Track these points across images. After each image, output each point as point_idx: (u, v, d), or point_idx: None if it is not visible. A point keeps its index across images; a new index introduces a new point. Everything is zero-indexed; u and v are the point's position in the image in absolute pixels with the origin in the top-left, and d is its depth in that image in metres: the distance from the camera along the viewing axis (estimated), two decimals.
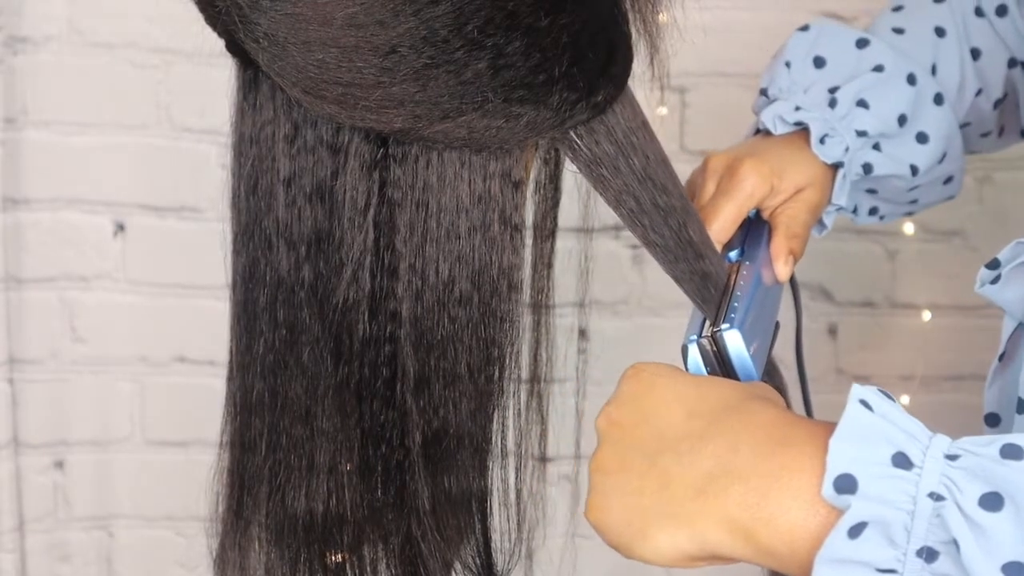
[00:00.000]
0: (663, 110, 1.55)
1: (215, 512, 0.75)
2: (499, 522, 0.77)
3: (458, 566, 0.76)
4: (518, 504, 0.78)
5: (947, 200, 1.09)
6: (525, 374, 0.78)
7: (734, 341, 0.77)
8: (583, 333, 1.54)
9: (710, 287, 0.79)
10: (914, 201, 1.06)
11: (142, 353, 1.63)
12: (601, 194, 0.70)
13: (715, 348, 0.78)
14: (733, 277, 0.84)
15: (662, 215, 0.72)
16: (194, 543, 1.65)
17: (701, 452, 0.61)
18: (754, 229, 0.95)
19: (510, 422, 0.75)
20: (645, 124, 0.70)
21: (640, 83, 0.70)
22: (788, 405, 0.71)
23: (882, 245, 1.61)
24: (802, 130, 0.98)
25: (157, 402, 1.65)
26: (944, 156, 1.02)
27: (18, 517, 1.62)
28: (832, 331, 1.62)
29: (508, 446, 0.76)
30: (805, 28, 1.04)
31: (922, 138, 1.00)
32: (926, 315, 1.57)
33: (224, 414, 0.73)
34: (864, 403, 0.58)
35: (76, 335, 1.62)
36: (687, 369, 0.78)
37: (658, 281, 1.54)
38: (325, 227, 0.66)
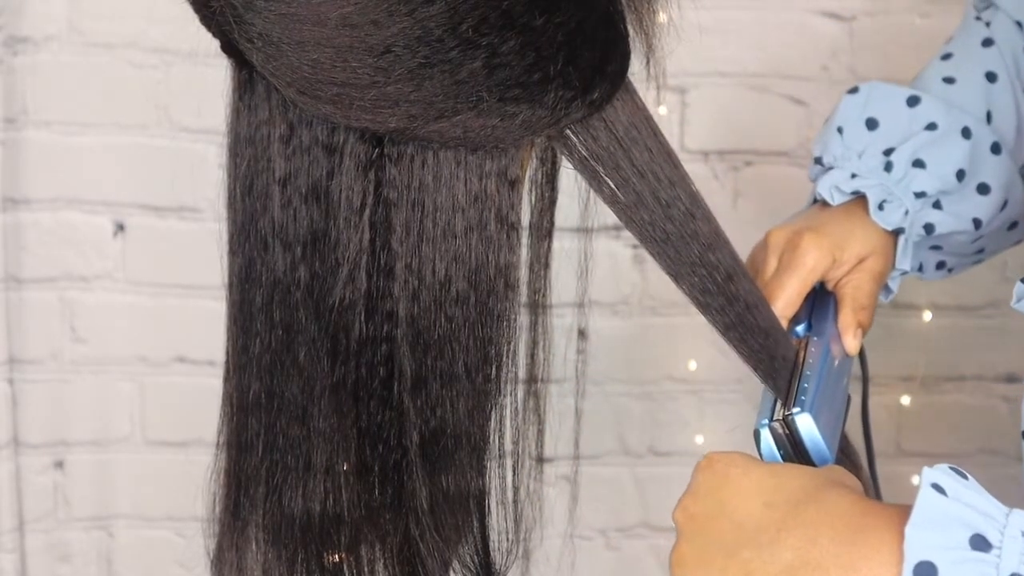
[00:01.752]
0: (663, 110, 1.55)
1: (212, 513, 0.75)
2: (497, 521, 0.77)
3: (456, 565, 0.76)
4: (515, 503, 0.78)
5: (1015, 245, 1.07)
6: (522, 374, 0.78)
7: (806, 425, 0.77)
8: (583, 333, 1.54)
9: (730, 301, 0.77)
10: (981, 251, 1.05)
11: (142, 353, 1.63)
12: (596, 190, 0.70)
13: (787, 431, 0.77)
14: (802, 354, 0.84)
15: (664, 209, 0.71)
16: (194, 543, 1.65)
17: (781, 544, 0.62)
18: (820, 302, 0.94)
19: (507, 422, 0.75)
20: (648, 120, 0.70)
21: (637, 82, 0.69)
22: (865, 484, 0.72)
23: None
24: (860, 198, 0.97)
25: (157, 402, 1.65)
26: (1006, 203, 1.00)
27: (18, 517, 1.62)
28: None
29: (506, 446, 0.76)
30: (854, 90, 1.03)
31: (983, 189, 0.99)
32: (926, 315, 1.57)
33: (221, 415, 0.73)
34: (936, 487, 0.58)
35: (76, 335, 1.62)
36: (760, 454, 0.79)
37: (658, 281, 1.55)
38: (321, 227, 0.66)
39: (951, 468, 0.60)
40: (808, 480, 0.67)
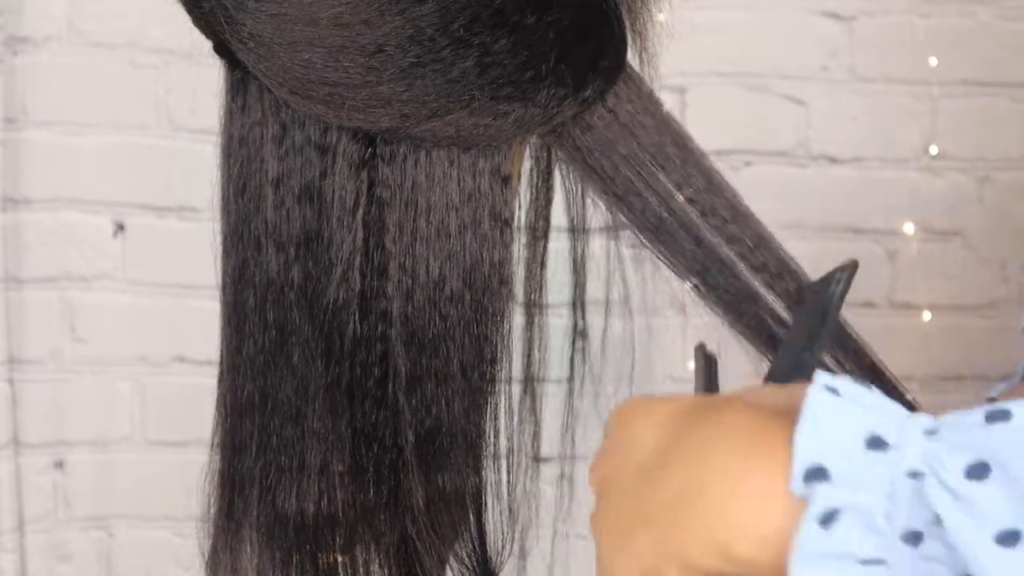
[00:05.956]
0: None
1: (207, 514, 0.75)
2: (493, 519, 0.76)
3: (453, 563, 0.76)
4: (510, 501, 0.78)
5: None
6: (519, 373, 0.78)
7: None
8: (582, 333, 1.54)
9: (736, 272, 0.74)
10: None
11: (142, 353, 1.63)
12: (586, 182, 0.70)
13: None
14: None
15: (659, 197, 0.70)
16: (193, 543, 1.65)
17: (671, 472, 0.57)
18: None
19: (502, 422, 0.75)
20: (646, 109, 0.70)
21: None
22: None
23: (882, 245, 1.60)
24: None
25: (157, 402, 1.65)
26: None
27: (18, 517, 1.62)
28: None
29: (502, 444, 0.76)
30: None
31: None
32: (926, 315, 1.57)
33: (215, 415, 0.73)
34: (830, 388, 0.53)
35: (76, 335, 1.62)
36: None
37: (659, 281, 1.54)
38: (314, 227, 0.66)
39: (854, 378, 0.54)
40: (698, 403, 0.61)
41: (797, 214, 1.59)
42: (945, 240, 1.60)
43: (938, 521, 0.50)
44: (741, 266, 0.74)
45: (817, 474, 0.51)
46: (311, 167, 0.65)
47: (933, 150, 1.58)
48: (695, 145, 0.72)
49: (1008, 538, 0.48)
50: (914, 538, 0.51)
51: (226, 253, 0.69)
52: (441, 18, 0.59)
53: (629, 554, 0.59)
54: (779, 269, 0.75)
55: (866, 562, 0.51)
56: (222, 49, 0.64)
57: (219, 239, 0.70)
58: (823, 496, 0.51)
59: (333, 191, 0.65)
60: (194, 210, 1.59)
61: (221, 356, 0.71)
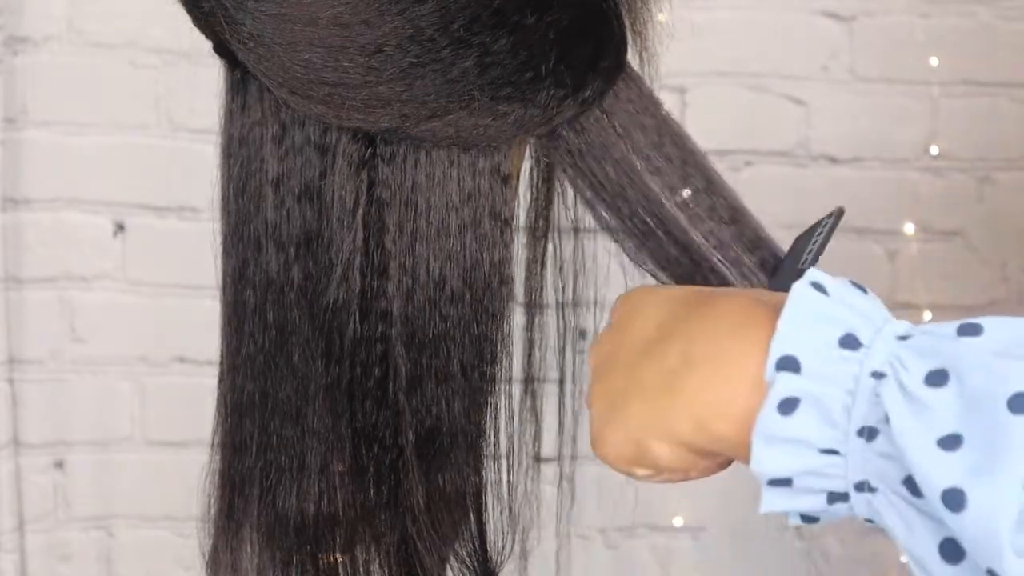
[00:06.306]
0: None
1: (207, 514, 0.75)
2: (493, 519, 0.76)
3: (453, 562, 0.76)
4: (511, 501, 0.78)
5: None
6: (519, 373, 0.78)
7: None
8: (583, 333, 1.54)
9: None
10: None
11: (142, 353, 1.63)
12: (577, 182, 0.69)
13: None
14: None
15: (648, 203, 0.70)
16: (194, 543, 1.65)
17: (667, 349, 0.60)
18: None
19: (502, 421, 0.75)
20: (646, 109, 0.70)
21: None
22: None
23: (882, 245, 1.60)
24: None
25: (157, 402, 1.65)
26: None
27: (18, 517, 1.62)
28: None
29: (502, 444, 0.76)
30: None
31: None
32: (926, 315, 1.57)
33: (215, 415, 0.73)
34: (817, 285, 0.56)
35: (76, 335, 1.62)
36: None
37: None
38: (314, 228, 0.66)
39: (852, 281, 0.57)
40: (699, 289, 0.64)
41: (797, 214, 1.59)
42: (945, 240, 1.60)
43: (887, 420, 0.51)
44: (731, 273, 0.75)
45: (788, 364, 0.54)
46: (311, 167, 0.65)
47: (933, 150, 1.58)
48: (694, 145, 0.72)
49: (950, 442, 0.50)
50: (869, 433, 0.52)
51: (226, 253, 0.69)
52: (441, 18, 0.59)
53: (621, 424, 0.61)
54: (777, 266, 0.75)
55: (825, 452, 0.54)
56: (222, 49, 0.64)
57: (219, 239, 0.70)
58: (784, 384, 0.54)
59: (333, 191, 0.65)
60: (194, 210, 1.59)
61: (221, 356, 0.71)
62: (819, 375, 0.53)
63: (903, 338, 0.54)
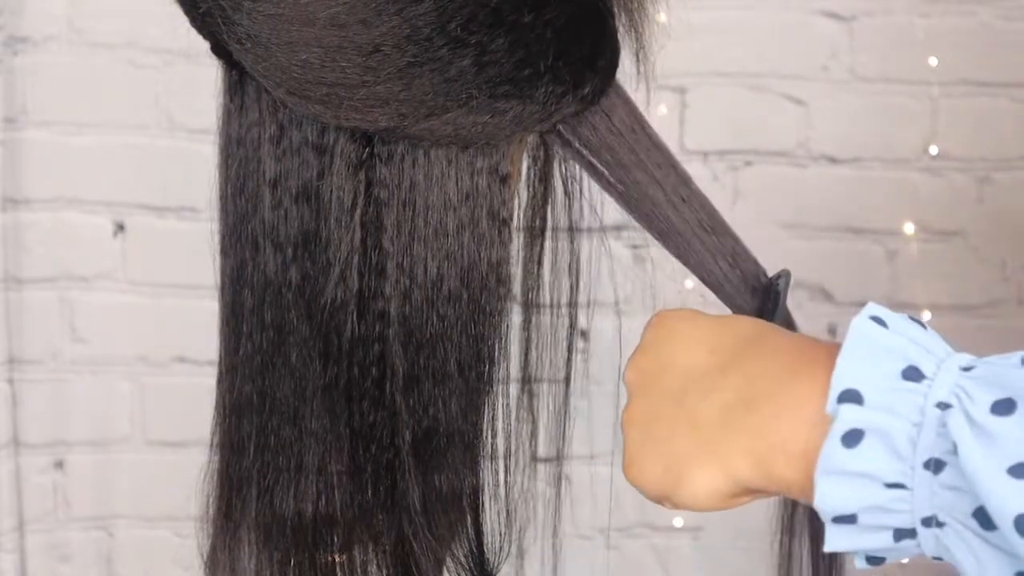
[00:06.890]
0: (663, 110, 1.55)
1: (205, 514, 0.75)
2: (490, 519, 0.76)
3: (450, 563, 0.76)
4: (508, 501, 0.77)
5: None
6: (517, 373, 0.78)
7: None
8: (583, 333, 1.54)
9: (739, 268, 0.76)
10: None
11: (142, 353, 1.63)
12: (596, 180, 0.70)
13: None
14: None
15: (664, 195, 0.71)
16: (194, 543, 1.65)
17: (722, 385, 0.60)
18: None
19: (499, 422, 0.75)
20: (634, 111, 0.70)
21: (628, 81, 0.69)
22: None
23: (882, 245, 1.60)
24: None
25: (157, 402, 1.65)
26: None
27: (18, 517, 1.62)
28: (832, 331, 1.61)
29: (499, 444, 0.76)
30: None
31: None
32: (926, 315, 1.57)
33: (214, 416, 0.73)
34: (876, 319, 0.56)
35: (76, 335, 1.62)
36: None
37: (660, 281, 1.54)
38: (312, 228, 0.66)
39: (910, 316, 0.57)
40: (753, 324, 0.64)
41: (797, 214, 1.59)
42: (945, 240, 1.60)
43: (955, 450, 0.51)
44: (721, 293, 0.76)
45: (851, 396, 0.54)
46: (308, 167, 0.65)
47: (933, 150, 1.58)
48: (673, 157, 0.72)
49: (1020, 470, 0.50)
50: (936, 465, 0.52)
51: (224, 253, 0.69)
52: (438, 17, 0.59)
53: (663, 453, 0.61)
54: (755, 282, 0.76)
55: (890, 486, 0.53)
56: (219, 50, 0.64)
57: (217, 239, 0.69)
58: (848, 415, 0.53)
59: (331, 191, 0.65)
60: (194, 210, 1.59)
61: (220, 356, 0.71)
62: (883, 407, 0.53)
63: (966, 369, 0.54)
